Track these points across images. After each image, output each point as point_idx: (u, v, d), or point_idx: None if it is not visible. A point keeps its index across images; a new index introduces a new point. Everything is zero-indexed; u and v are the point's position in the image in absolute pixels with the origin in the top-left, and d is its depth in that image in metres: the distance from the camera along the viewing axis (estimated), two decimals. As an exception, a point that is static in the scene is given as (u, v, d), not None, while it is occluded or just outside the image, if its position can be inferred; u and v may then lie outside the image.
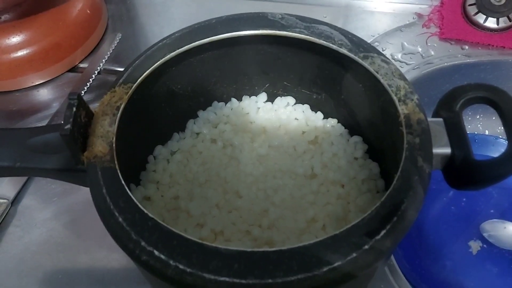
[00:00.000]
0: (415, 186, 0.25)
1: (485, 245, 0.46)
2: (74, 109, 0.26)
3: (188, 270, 0.22)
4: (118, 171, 0.26)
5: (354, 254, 0.23)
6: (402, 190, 0.25)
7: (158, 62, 0.32)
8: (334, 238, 0.23)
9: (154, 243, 0.23)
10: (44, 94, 0.54)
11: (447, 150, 0.28)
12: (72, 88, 0.53)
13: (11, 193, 0.45)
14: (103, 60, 0.56)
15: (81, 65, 0.57)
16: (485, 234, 0.47)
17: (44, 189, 0.45)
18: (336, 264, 0.22)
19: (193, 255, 0.23)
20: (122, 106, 0.29)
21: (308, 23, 0.33)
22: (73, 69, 0.56)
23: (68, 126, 0.25)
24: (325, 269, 0.22)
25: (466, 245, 0.47)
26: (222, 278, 0.22)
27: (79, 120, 0.27)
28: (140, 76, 0.31)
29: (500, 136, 0.54)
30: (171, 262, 0.23)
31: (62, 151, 0.28)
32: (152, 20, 0.62)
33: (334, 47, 0.31)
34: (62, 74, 0.56)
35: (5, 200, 0.44)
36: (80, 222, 0.43)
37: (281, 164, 0.36)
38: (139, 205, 0.25)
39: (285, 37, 0.33)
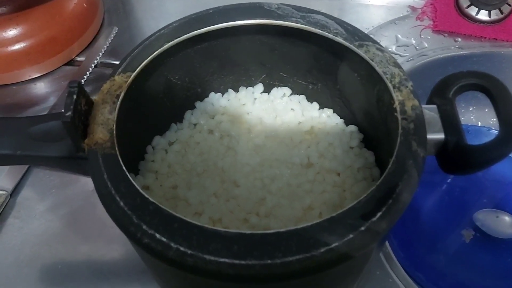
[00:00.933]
0: (410, 170, 0.25)
1: (478, 234, 0.47)
2: (75, 96, 0.26)
3: (189, 252, 0.23)
4: (119, 157, 0.26)
5: (351, 235, 0.23)
6: (397, 174, 0.25)
7: (156, 52, 0.32)
8: (331, 220, 0.24)
9: (155, 227, 0.24)
10: (41, 87, 0.54)
11: (441, 136, 0.28)
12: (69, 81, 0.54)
13: (10, 185, 0.45)
14: (100, 54, 0.56)
15: (78, 59, 0.57)
16: (478, 223, 0.47)
17: (43, 181, 0.46)
18: (333, 245, 0.23)
19: (193, 238, 0.23)
20: (122, 94, 0.29)
21: (304, 12, 0.33)
22: (70, 63, 0.57)
23: (69, 113, 0.26)
24: (322, 249, 0.23)
25: (460, 234, 0.47)
26: (222, 259, 0.23)
27: (80, 108, 0.27)
28: (139, 66, 0.31)
29: (493, 128, 0.55)
30: (172, 244, 0.23)
31: (63, 139, 0.28)
32: (148, 14, 0.62)
33: (330, 35, 0.32)
34: (59, 67, 0.56)
35: (4, 192, 0.44)
36: (79, 213, 0.44)
37: (277, 154, 0.37)
38: (140, 190, 0.25)
39: (281, 26, 0.33)
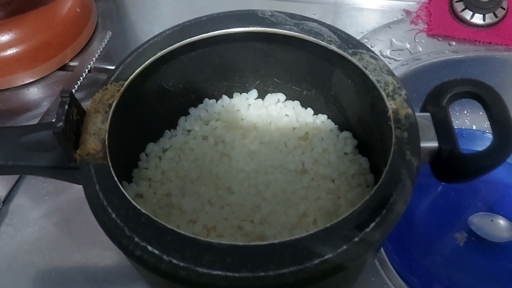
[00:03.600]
0: (404, 179, 0.25)
1: (473, 238, 0.47)
2: (66, 106, 0.26)
3: (182, 264, 0.23)
4: (111, 168, 0.26)
5: (345, 246, 0.23)
6: (391, 183, 0.25)
7: (149, 60, 0.32)
8: (325, 231, 0.24)
9: (147, 239, 0.24)
10: (34, 92, 0.54)
11: (435, 144, 0.28)
12: (63, 86, 0.53)
13: (2, 192, 0.44)
14: (94, 59, 0.56)
15: (72, 64, 0.56)
16: (473, 227, 0.47)
17: (36, 188, 0.45)
18: (327, 257, 0.23)
19: (186, 250, 0.23)
20: (114, 103, 0.29)
21: (298, 20, 0.33)
22: (64, 68, 0.56)
23: (61, 123, 0.25)
24: (316, 261, 0.23)
25: (454, 238, 0.47)
26: (216, 272, 0.22)
27: (72, 118, 0.27)
28: (132, 74, 0.31)
29: (487, 131, 0.55)
30: (164, 257, 0.23)
31: (55, 149, 0.28)
32: (142, 18, 0.62)
33: (324, 43, 0.32)
34: (52, 72, 0.55)
35: (-4, 199, 0.44)
36: (72, 220, 0.43)
37: (272, 160, 0.37)
38: (132, 202, 0.25)
39: (275, 34, 0.33)
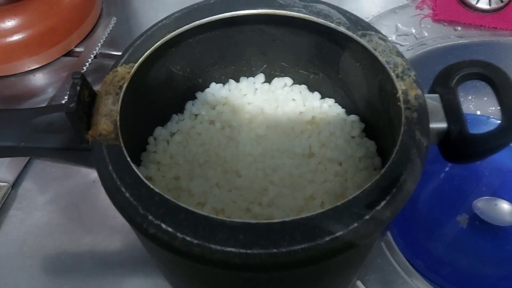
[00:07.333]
0: (414, 158, 0.26)
1: (477, 222, 0.48)
2: (78, 87, 0.26)
3: (195, 241, 0.23)
4: (124, 149, 0.26)
5: (356, 224, 0.23)
6: (401, 163, 0.25)
7: (159, 42, 0.32)
8: (335, 209, 0.24)
9: (161, 217, 0.24)
10: (40, 78, 0.54)
11: (443, 125, 0.28)
12: (69, 72, 0.53)
13: (11, 177, 0.45)
14: (99, 44, 0.56)
15: (77, 49, 0.57)
16: (477, 212, 0.48)
17: (44, 172, 0.46)
18: (338, 234, 0.23)
19: (199, 227, 0.23)
20: (125, 85, 0.29)
21: (306, 2, 0.33)
22: (69, 54, 0.56)
23: (73, 104, 0.25)
24: (327, 238, 0.23)
25: (457, 221, 0.48)
26: (229, 249, 0.23)
27: (83, 99, 0.27)
28: (141, 56, 0.31)
29: (492, 116, 0.55)
30: (178, 234, 0.23)
31: (66, 130, 0.28)
32: (147, 4, 0.62)
33: (332, 25, 0.32)
34: (58, 58, 0.55)
35: (5, 184, 0.44)
36: (80, 204, 0.44)
37: (279, 144, 0.37)
38: (146, 181, 0.25)
39: (283, 16, 0.33)
